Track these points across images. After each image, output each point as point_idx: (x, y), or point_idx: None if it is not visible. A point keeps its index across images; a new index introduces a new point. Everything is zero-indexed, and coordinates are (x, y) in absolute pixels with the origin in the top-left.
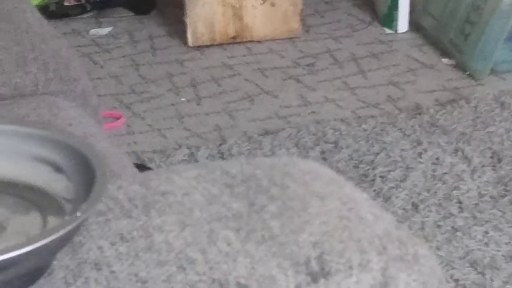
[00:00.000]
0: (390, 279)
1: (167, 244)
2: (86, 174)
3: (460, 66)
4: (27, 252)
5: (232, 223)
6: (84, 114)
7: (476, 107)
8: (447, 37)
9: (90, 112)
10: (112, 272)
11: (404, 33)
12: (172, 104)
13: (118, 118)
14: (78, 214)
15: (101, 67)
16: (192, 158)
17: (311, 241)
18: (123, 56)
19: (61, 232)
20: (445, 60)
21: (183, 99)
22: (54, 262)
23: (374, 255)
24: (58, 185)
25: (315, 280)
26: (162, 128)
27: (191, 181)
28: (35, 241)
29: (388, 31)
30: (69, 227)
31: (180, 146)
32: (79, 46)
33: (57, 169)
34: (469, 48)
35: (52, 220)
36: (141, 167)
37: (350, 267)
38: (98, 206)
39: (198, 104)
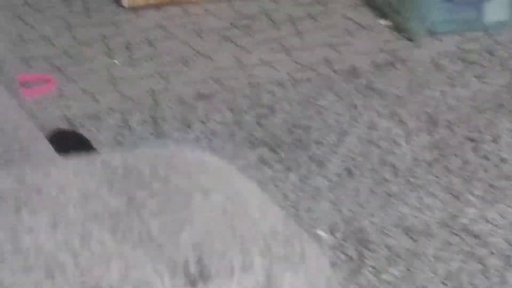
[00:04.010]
0: (274, 281)
1: (36, 247)
2: None
3: (397, 27)
4: None
5: (108, 222)
6: None
7: (412, 69)
8: None
9: (3, 80)
10: None
11: None
12: (106, 67)
13: (48, 82)
14: None
15: (32, 27)
16: (124, 123)
17: (191, 241)
18: (56, 17)
19: None
20: (382, 21)
21: (116, 62)
22: None
23: (258, 255)
24: None
25: (193, 284)
26: (95, 92)
27: (69, 174)
28: None
29: None
30: None
31: (113, 111)
32: (9, 5)
33: None
34: (405, 8)
35: None
36: (73, 133)
37: (231, 270)
38: None
39: (132, 67)
